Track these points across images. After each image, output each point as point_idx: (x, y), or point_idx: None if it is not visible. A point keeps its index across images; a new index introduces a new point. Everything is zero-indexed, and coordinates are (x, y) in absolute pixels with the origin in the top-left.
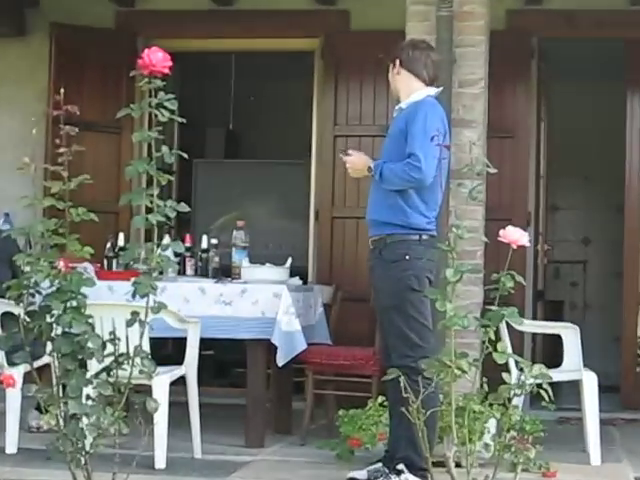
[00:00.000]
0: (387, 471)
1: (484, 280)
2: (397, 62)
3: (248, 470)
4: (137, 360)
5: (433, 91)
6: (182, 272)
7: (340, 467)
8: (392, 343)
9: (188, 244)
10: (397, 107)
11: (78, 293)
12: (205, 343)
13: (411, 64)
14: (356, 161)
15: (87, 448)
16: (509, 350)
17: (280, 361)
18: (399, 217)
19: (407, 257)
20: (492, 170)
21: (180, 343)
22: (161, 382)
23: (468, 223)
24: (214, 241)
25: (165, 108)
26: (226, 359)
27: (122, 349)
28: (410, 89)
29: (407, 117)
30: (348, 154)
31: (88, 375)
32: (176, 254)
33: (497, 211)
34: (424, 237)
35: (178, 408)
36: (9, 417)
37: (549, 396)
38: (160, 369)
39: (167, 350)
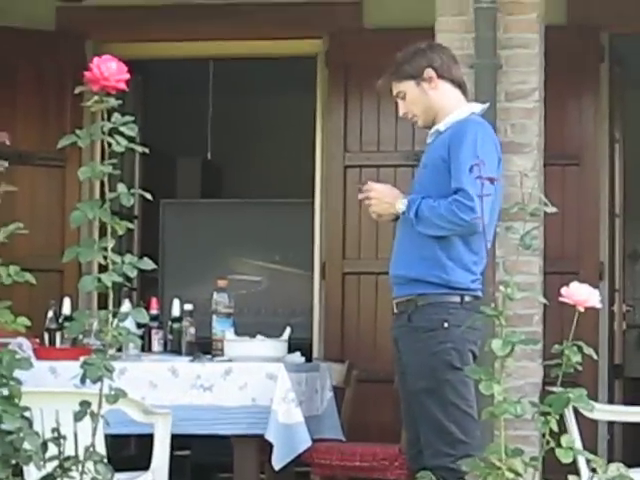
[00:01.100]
0: None
1: (543, 353)
2: (431, 73)
3: None
4: (89, 465)
5: (478, 107)
6: (147, 348)
7: None
8: (425, 438)
9: (154, 311)
10: (433, 129)
11: (10, 378)
12: (179, 441)
13: (450, 70)
14: (385, 191)
15: None
16: (578, 445)
17: (277, 463)
18: (435, 273)
19: (445, 325)
20: (551, 209)
21: (146, 441)
22: None
23: (521, 279)
24: (189, 307)
25: (122, 134)
26: (206, 461)
27: (69, 451)
28: (450, 105)
29: (450, 141)
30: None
31: None
32: (139, 325)
33: (559, 262)
34: (467, 299)
35: None
36: None
37: None
38: (119, 476)
39: (129, 451)
